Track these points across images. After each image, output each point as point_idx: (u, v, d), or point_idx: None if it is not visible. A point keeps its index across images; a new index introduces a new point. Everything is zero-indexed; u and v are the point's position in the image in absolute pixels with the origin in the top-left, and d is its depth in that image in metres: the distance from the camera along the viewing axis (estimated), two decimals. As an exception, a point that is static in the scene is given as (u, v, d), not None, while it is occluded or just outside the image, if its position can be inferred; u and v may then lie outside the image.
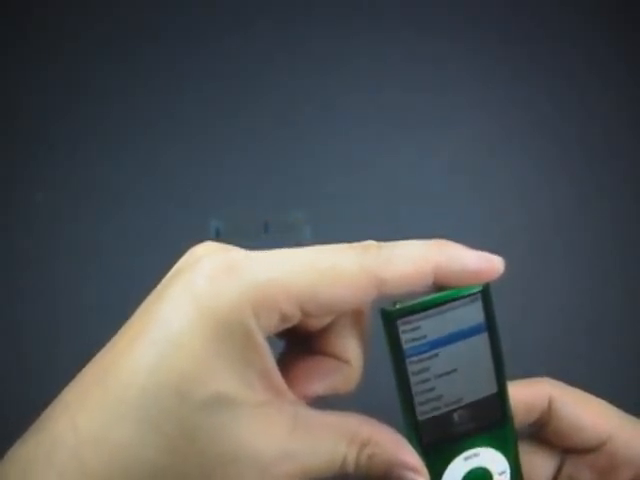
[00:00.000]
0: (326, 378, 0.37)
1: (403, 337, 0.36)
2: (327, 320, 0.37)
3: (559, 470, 0.42)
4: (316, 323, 0.37)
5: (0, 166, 0.75)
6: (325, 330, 0.37)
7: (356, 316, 0.37)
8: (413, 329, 0.36)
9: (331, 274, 0.33)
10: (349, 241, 0.35)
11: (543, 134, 0.76)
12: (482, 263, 0.36)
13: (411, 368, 0.36)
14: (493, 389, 0.38)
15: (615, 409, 0.41)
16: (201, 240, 0.35)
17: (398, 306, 0.36)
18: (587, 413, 0.40)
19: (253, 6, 0.80)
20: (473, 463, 0.38)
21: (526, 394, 0.40)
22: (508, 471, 0.39)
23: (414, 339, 0.36)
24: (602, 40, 0.78)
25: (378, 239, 0.36)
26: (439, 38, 0.78)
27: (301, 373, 0.37)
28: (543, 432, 0.41)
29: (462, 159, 0.76)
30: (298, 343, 0.38)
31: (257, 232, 0.79)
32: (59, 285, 0.73)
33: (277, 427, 0.33)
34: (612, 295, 0.69)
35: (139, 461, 0.30)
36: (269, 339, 0.38)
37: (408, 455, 0.35)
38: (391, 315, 0.36)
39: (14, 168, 0.75)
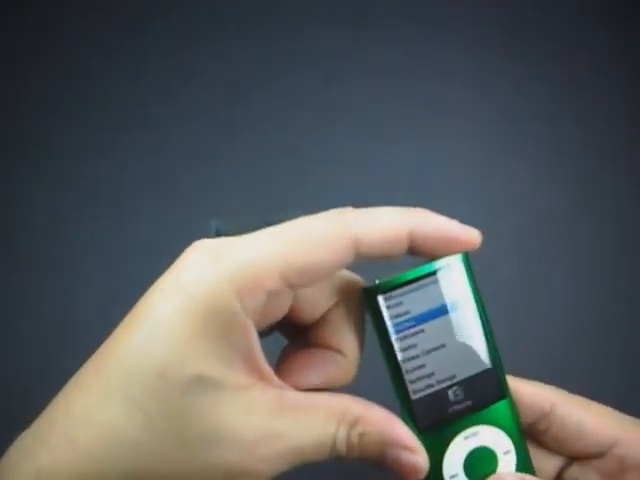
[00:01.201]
0: (321, 369, 0.37)
1: (386, 313, 0.36)
2: (320, 310, 0.37)
3: (559, 475, 0.42)
4: (310, 314, 0.37)
5: None
6: (320, 322, 0.37)
7: (350, 307, 0.37)
8: (396, 305, 0.36)
9: (306, 239, 0.33)
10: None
11: (546, 131, 0.75)
12: (458, 230, 0.36)
13: (398, 345, 0.36)
14: (487, 364, 0.37)
15: (619, 413, 0.41)
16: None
17: (377, 282, 0.36)
18: (590, 419, 0.40)
19: (253, 6, 0.80)
20: (474, 442, 0.37)
21: (530, 392, 0.40)
22: (513, 451, 0.38)
23: (398, 315, 0.36)
24: (605, 33, 0.78)
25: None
26: (439, 32, 0.78)
27: (296, 364, 0.37)
28: (542, 438, 0.41)
29: (463, 158, 0.76)
30: (298, 338, 0.38)
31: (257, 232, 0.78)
32: (58, 285, 0.73)
33: (260, 408, 0.33)
34: (615, 295, 0.69)
35: (123, 439, 0.32)
36: (271, 338, 0.38)
37: (402, 433, 0.35)
38: (372, 291, 0.36)
39: (13, 168, 0.75)
